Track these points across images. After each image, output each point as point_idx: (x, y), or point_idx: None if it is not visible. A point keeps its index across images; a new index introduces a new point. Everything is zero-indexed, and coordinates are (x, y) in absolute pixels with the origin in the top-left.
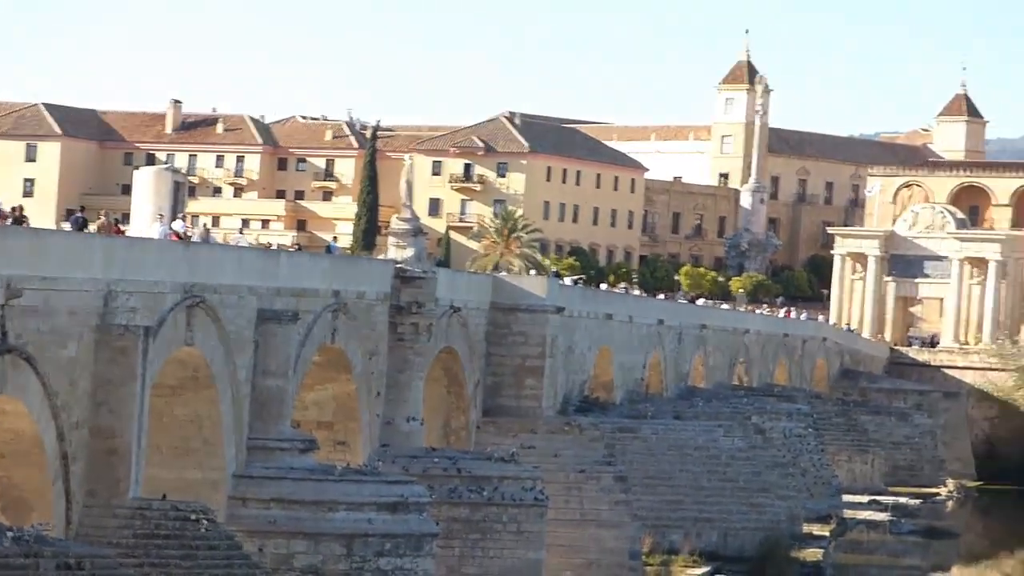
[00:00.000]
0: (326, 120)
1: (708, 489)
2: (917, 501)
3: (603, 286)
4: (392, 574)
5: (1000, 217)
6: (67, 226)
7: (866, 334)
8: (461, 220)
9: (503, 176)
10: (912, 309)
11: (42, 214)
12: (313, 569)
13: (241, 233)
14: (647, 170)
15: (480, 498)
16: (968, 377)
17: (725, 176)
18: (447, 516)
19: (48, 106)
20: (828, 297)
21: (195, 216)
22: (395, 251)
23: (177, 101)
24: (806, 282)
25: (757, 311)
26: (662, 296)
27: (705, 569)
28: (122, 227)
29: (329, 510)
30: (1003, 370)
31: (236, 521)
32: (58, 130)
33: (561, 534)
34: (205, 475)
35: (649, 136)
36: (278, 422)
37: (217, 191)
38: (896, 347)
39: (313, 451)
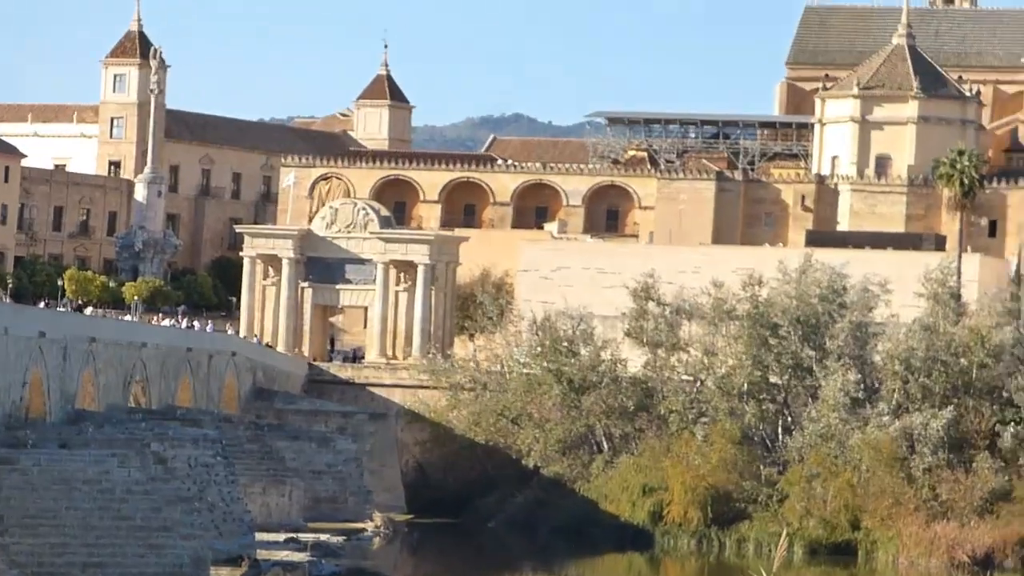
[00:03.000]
0: None
1: (100, 529)
2: (340, 538)
3: None
4: None
5: (428, 215)
6: None
7: (282, 348)
8: None
9: None
10: (333, 319)
11: None
12: None
13: None
14: (24, 156)
15: None
16: (397, 396)
17: (116, 164)
18: None
19: None
20: (238, 305)
21: None
22: None
23: None
24: (211, 288)
25: (156, 321)
26: (43, 304)
27: None
28: None
29: None
30: (435, 388)
31: None
32: None
33: None
34: None
35: (26, 116)
36: None
37: None
38: (316, 362)
39: None
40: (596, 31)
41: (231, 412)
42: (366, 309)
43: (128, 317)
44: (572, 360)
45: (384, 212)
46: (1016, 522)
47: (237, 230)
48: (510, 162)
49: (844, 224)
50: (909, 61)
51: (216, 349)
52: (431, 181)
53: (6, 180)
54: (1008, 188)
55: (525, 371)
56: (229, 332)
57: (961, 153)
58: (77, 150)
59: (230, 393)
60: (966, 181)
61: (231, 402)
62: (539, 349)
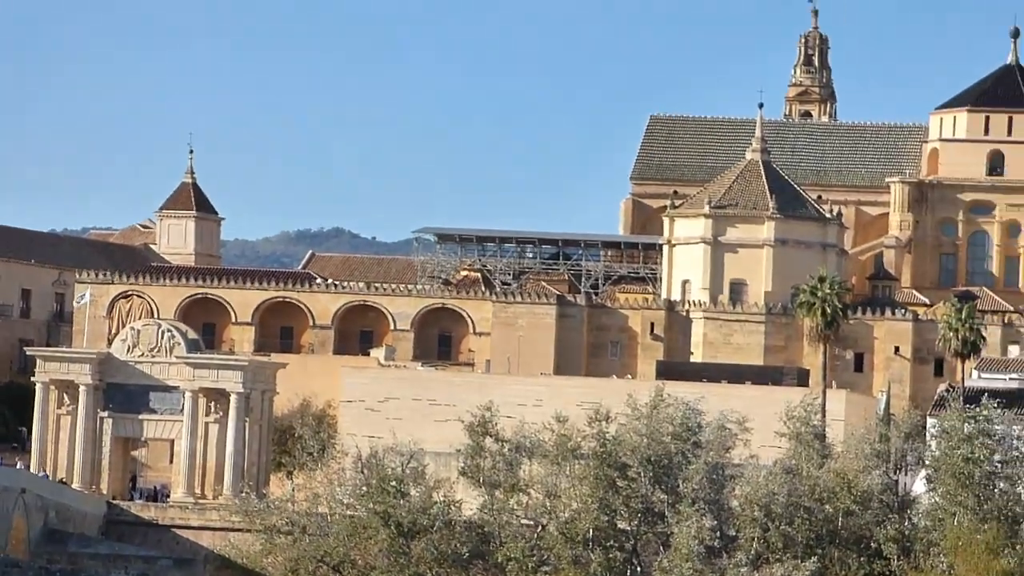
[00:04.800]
0: None
1: None
2: None
3: None
4: None
5: (241, 338)
6: None
7: (77, 485)
8: None
9: None
10: (135, 453)
11: None
12: None
13: None
14: None
15: None
16: (205, 540)
17: None
18: None
19: None
20: (28, 436)
21: None
22: None
23: None
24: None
25: None
26: None
27: None
28: None
29: None
30: (248, 531)
31: None
32: None
33: None
34: None
35: None
36: None
37: None
38: (115, 501)
39: None
40: (424, 140)
41: (19, 557)
42: (172, 442)
43: None
44: (401, 501)
45: (192, 334)
46: None
47: (27, 353)
48: (331, 281)
49: (698, 355)
50: (764, 178)
51: (2, 486)
52: (244, 301)
53: None
54: (874, 319)
55: (349, 513)
56: (18, 466)
57: (822, 280)
58: None
59: (18, 535)
60: (828, 310)
61: (19, 545)
62: (364, 489)
